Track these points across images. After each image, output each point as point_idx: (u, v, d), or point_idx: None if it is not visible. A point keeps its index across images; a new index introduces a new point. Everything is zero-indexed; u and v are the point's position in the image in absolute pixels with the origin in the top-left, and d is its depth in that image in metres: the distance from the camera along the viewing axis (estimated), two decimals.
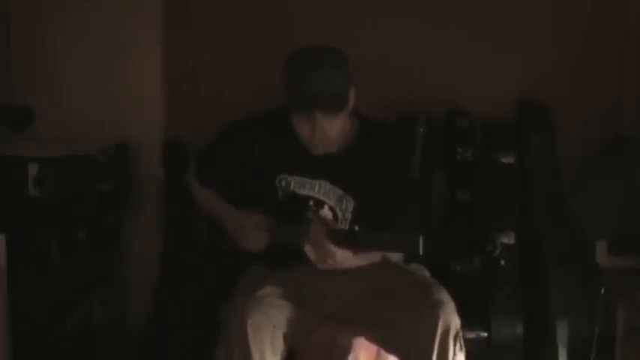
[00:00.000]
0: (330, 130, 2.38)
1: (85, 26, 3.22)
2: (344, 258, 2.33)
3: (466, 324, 2.40)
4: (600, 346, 2.90)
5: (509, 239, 2.89)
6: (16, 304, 2.57)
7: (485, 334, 2.85)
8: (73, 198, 2.87)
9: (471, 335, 2.77)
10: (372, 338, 2.40)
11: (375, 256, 2.45)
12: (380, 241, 2.30)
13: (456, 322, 2.29)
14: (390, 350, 2.38)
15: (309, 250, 2.36)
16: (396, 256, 2.49)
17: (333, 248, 2.31)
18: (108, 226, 3.13)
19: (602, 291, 2.89)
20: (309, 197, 2.49)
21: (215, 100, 3.23)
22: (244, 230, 2.49)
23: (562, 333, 2.86)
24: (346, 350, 2.41)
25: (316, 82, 2.31)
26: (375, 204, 2.46)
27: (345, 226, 2.47)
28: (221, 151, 2.58)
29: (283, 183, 2.49)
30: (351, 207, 2.48)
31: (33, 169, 2.75)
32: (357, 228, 2.32)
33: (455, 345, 2.27)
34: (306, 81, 2.31)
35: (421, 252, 2.18)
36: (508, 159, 3.07)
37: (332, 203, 2.49)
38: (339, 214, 2.49)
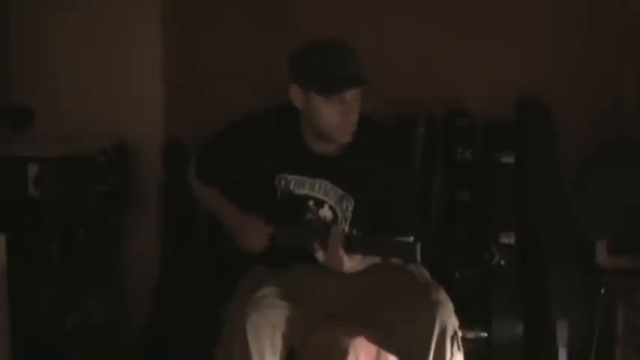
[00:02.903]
0: (357, 114, 2.40)
1: (85, 26, 3.23)
2: (352, 266, 2.33)
3: (466, 324, 2.40)
4: (600, 346, 2.90)
5: (509, 239, 2.90)
6: (16, 304, 2.57)
7: (485, 334, 2.85)
8: (72, 198, 2.87)
9: (471, 335, 2.77)
10: (371, 338, 2.40)
11: (375, 257, 2.45)
12: (377, 246, 2.30)
13: (453, 323, 2.29)
14: (388, 350, 2.39)
15: (319, 252, 2.35)
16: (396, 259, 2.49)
17: (344, 255, 2.31)
18: (108, 226, 3.13)
19: (602, 291, 2.89)
20: (308, 196, 2.49)
21: (215, 99, 3.23)
22: (245, 230, 2.49)
23: (562, 333, 2.86)
24: (346, 350, 2.42)
25: (349, 61, 2.34)
26: (374, 204, 2.46)
27: (345, 226, 2.47)
28: (220, 150, 2.58)
29: (283, 182, 2.49)
30: (351, 207, 2.48)
31: (33, 169, 2.76)
32: (355, 232, 2.32)
33: (452, 345, 2.27)
34: (340, 61, 2.34)
35: (418, 259, 2.19)
36: (508, 159, 3.06)
37: (332, 203, 2.49)
38: (339, 214, 2.49)
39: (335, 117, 2.38)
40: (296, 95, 2.40)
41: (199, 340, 2.77)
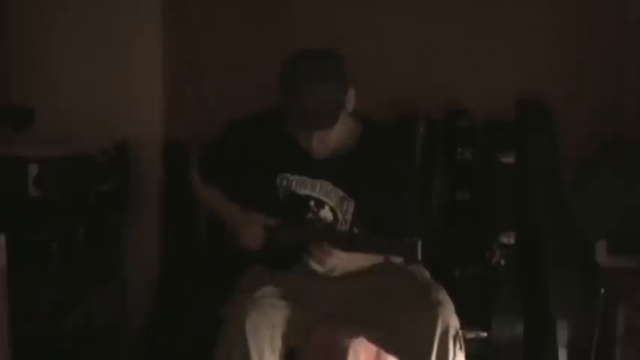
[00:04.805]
0: (328, 139, 2.40)
1: (84, 26, 3.23)
2: (350, 261, 2.34)
3: (466, 324, 2.40)
4: (600, 346, 2.90)
5: (509, 239, 2.90)
6: (16, 304, 2.57)
7: (485, 334, 2.85)
8: (73, 198, 2.87)
9: (471, 335, 2.77)
10: (371, 338, 2.40)
11: (377, 257, 2.45)
12: (378, 244, 2.30)
13: (455, 323, 2.29)
14: (389, 350, 2.39)
15: (315, 264, 2.38)
16: (396, 258, 2.49)
17: (340, 254, 2.32)
18: (108, 226, 3.13)
19: (602, 291, 2.89)
20: (309, 197, 2.49)
21: (215, 99, 3.23)
22: (246, 228, 2.49)
23: (562, 333, 2.86)
24: (346, 350, 2.42)
25: (308, 101, 2.30)
26: (375, 206, 2.46)
27: (345, 227, 2.47)
28: (223, 150, 2.59)
29: (284, 182, 2.50)
30: (351, 208, 2.48)
31: (33, 169, 2.75)
32: (355, 230, 2.33)
33: (455, 345, 2.27)
34: (299, 99, 2.30)
35: (419, 257, 2.19)
36: (508, 159, 3.06)
37: (333, 204, 2.49)
38: (340, 216, 2.49)
39: (302, 140, 2.41)
40: None
41: (199, 339, 2.77)
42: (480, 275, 2.88)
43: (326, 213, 2.49)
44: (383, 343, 2.39)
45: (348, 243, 2.30)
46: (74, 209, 2.88)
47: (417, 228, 2.41)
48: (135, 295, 3.25)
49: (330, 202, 2.49)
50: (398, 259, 2.49)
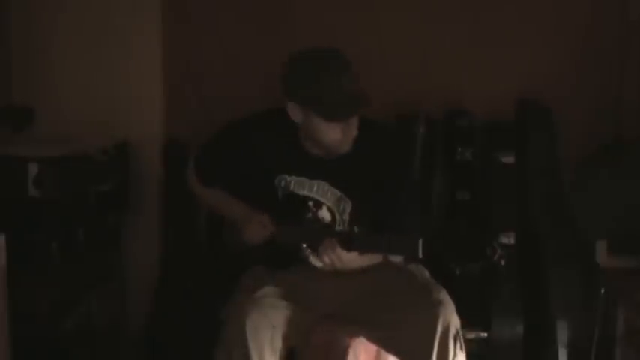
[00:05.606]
0: (354, 127, 2.39)
1: (84, 26, 3.23)
2: (350, 260, 2.34)
3: (466, 324, 2.40)
4: (600, 346, 2.90)
5: (509, 239, 2.90)
6: (16, 304, 2.57)
7: (485, 334, 2.85)
8: (72, 198, 2.87)
9: (471, 335, 2.78)
10: (371, 338, 2.40)
11: (377, 256, 2.45)
12: (379, 243, 2.30)
13: (455, 322, 2.29)
14: (389, 350, 2.39)
15: (313, 258, 2.38)
16: (396, 256, 2.49)
17: (344, 254, 2.32)
18: (108, 226, 3.13)
19: (602, 291, 2.89)
20: (307, 197, 2.49)
21: (215, 99, 3.23)
22: (248, 222, 2.48)
23: (562, 333, 2.86)
24: (346, 350, 2.42)
25: (347, 81, 2.30)
26: (373, 206, 2.46)
27: (343, 228, 2.47)
28: (220, 151, 2.58)
29: (282, 183, 2.50)
30: (349, 208, 2.48)
31: (33, 169, 2.75)
32: (356, 229, 2.33)
33: (455, 345, 2.27)
34: (339, 83, 2.29)
35: (420, 255, 2.19)
36: (508, 159, 3.06)
37: (330, 204, 2.49)
38: (337, 216, 2.49)
39: (336, 135, 2.37)
40: (294, 112, 2.38)
41: (199, 340, 2.77)
42: (481, 274, 2.89)
43: (324, 213, 2.49)
44: (383, 342, 2.40)
45: (349, 242, 2.30)
46: (74, 209, 2.88)
47: (417, 227, 2.40)
48: (135, 295, 3.25)
49: (327, 203, 2.49)
50: (398, 258, 2.49)
